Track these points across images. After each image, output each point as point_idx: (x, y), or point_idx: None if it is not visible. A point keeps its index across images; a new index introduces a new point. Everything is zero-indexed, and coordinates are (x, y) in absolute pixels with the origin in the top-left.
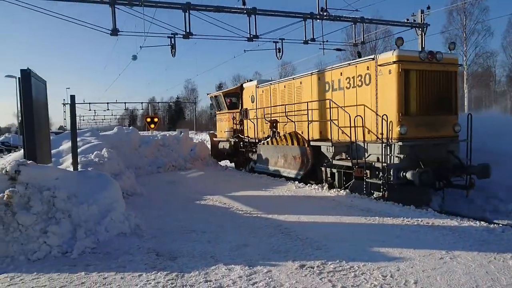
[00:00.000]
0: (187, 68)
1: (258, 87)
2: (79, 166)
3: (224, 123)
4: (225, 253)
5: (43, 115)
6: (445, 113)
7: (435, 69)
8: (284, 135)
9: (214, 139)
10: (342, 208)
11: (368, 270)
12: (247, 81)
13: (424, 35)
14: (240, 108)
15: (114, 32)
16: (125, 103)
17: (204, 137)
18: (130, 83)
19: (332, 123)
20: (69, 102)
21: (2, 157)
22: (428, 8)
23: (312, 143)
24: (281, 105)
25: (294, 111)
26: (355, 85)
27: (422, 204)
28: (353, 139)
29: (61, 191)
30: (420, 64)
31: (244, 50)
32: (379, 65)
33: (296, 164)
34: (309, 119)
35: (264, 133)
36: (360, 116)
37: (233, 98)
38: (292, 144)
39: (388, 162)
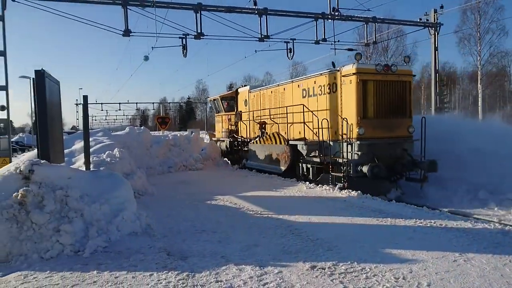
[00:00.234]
0: (198, 69)
1: (250, 92)
2: (91, 166)
3: (221, 124)
4: (235, 253)
5: (57, 115)
6: (399, 117)
7: (390, 79)
8: (269, 135)
9: (213, 138)
10: (354, 209)
11: (380, 272)
12: (242, 86)
13: (437, 34)
14: (235, 110)
15: (126, 33)
16: (136, 103)
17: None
18: (141, 83)
19: (305, 125)
20: (82, 103)
21: (16, 156)
22: (442, 7)
23: (291, 142)
24: (268, 109)
25: (279, 114)
26: (325, 92)
27: (380, 194)
28: (321, 138)
29: (74, 190)
30: (376, 75)
31: (255, 51)
32: (343, 76)
33: (279, 160)
34: (289, 122)
35: (255, 133)
36: (326, 119)
37: (230, 102)
38: (276, 143)
39: (349, 158)
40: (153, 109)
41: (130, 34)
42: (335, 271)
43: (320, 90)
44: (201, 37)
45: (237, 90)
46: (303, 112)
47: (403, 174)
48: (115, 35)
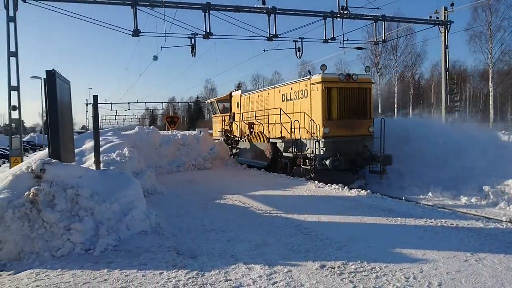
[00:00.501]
0: (206, 68)
1: (241, 95)
2: (101, 165)
3: (217, 125)
4: (244, 252)
5: (67, 115)
6: (361, 118)
7: (352, 86)
8: (255, 134)
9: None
10: (363, 208)
11: (390, 271)
12: (235, 90)
13: (448, 32)
14: (229, 112)
15: (136, 33)
16: (145, 103)
17: None
18: (150, 83)
19: (282, 125)
20: (92, 102)
21: (27, 156)
22: (452, 5)
23: (272, 140)
24: (255, 111)
25: (263, 116)
26: (299, 97)
27: (345, 184)
28: (295, 137)
29: (84, 189)
30: (339, 83)
31: (264, 50)
32: (312, 84)
33: (263, 156)
34: (270, 122)
35: (245, 132)
36: (298, 120)
37: (225, 104)
38: (260, 141)
39: (316, 153)
40: (162, 108)
41: (140, 34)
42: (344, 271)
43: (296, 95)
44: (210, 36)
45: (231, 93)
46: (280, 114)
47: (364, 166)
48: (125, 36)
